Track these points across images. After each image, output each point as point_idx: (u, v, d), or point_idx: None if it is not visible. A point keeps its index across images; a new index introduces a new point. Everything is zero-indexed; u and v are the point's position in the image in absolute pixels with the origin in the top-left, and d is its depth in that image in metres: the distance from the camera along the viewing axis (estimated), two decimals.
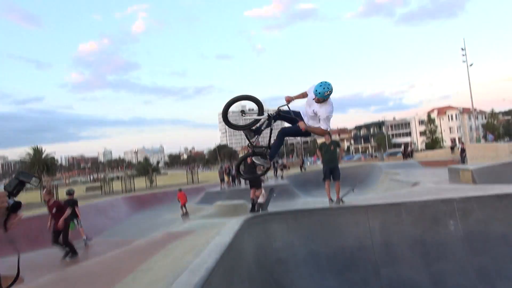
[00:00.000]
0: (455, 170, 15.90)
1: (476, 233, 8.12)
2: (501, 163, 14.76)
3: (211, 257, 5.18)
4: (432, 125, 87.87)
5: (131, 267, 5.91)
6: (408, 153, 36.53)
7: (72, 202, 13.67)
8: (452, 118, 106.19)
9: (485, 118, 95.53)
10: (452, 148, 30.84)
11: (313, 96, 5.08)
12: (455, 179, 15.24)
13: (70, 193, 14.04)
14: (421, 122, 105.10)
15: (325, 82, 5.04)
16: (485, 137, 44.13)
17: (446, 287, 7.26)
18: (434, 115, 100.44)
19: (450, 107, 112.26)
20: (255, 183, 10.09)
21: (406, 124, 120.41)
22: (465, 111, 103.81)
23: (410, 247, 8.30)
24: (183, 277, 4.44)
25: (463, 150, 24.66)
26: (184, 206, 20.35)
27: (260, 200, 9.94)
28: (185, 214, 19.10)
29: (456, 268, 7.68)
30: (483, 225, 8.14)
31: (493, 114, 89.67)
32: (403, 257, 8.16)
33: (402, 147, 48.83)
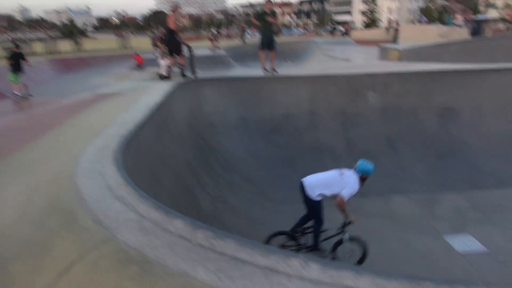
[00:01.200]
0: (385, 49, 16.61)
1: (391, 105, 8.93)
2: (427, 45, 15.55)
3: (140, 113, 5.23)
4: (372, 4, 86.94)
5: (57, 122, 5.81)
6: (345, 32, 36.77)
7: (18, 55, 12.77)
8: None
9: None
10: (388, 28, 31.47)
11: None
12: (385, 57, 16.02)
13: (17, 46, 13.38)
14: (364, 1, 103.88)
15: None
16: (419, 20, 44.83)
17: (356, 149, 8.20)
18: None
19: None
20: (176, 50, 9.63)
21: (348, 2, 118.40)
22: None
23: (332, 116, 9.00)
24: (111, 129, 4.50)
25: (396, 31, 25.38)
26: (140, 66, 20.06)
27: (164, 70, 9.56)
28: (138, 68, 19.14)
29: (369, 135, 8.60)
30: (398, 98, 8.94)
31: None
32: (324, 125, 8.88)
33: (336, 26, 47.86)
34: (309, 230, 4.87)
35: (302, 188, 4.68)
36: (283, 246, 4.92)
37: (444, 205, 6.83)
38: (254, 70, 11.34)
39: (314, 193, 4.60)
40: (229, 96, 9.07)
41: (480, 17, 24.00)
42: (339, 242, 4.81)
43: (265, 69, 10.20)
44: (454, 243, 5.65)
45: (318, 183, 4.61)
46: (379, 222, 6.33)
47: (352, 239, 4.78)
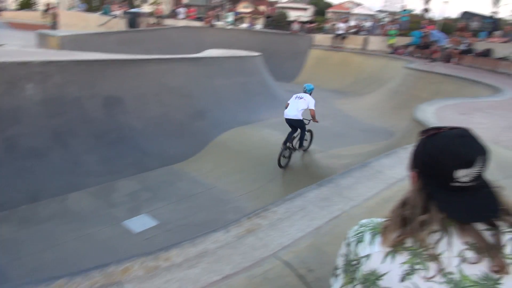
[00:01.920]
0: (43, 35, 15.25)
1: (53, 97, 8.35)
2: (88, 33, 15.43)
3: None
4: None
5: None
6: None
7: None
8: None
9: None
10: (46, 12, 28.71)
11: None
12: (44, 44, 14.69)
13: None
14: None
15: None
16: (79, 7, 43.11)
17: (20, 150, 7.24)
18: None
19: None
20: None
21: None
22: None
23: None
24: None
25: (55, 16, 23.72)
26: None
27: None
28: None
29: (32, 131, 7.75)
30: (61, 89, 8.47)
31: None
32: None
33: None
34: (296, 137, 7.87)
35: (288, 119, 7.55)
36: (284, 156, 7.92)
37: (119, 192, 7.17)
38: None
39: (296, 116, 7.46)
40: None
41: (135, 10, 25.66)
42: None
43: None
44: (131, 225, 6.07)
45: (294, 110, 7.46)
46: (56, 226, 5.93)
47: (308, 130, 8.07)
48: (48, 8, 27.79)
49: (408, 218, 1.02)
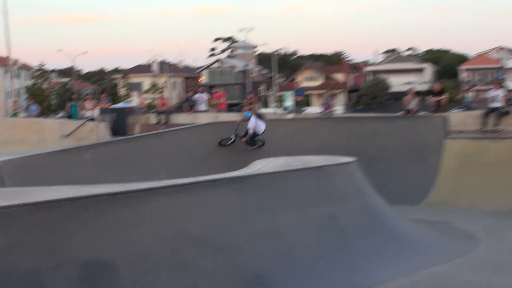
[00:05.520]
0: None
1: None
2: (45, 152, 10.33)
3: None
4: None
5: None
6: None
7: None
8: None
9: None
10: None
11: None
12: None
13: None
14: None
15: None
16: (27, 108, 27.78)
17: None
18: None
19: None
20: None
21: None
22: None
23: None
24: None
25: None
26: None
27: None
28: None
29: None
30: (4, 257, 3.99)
31: (42, 72, 55.73)
32: None
33: None
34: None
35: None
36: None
37: None
38: None
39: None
40: None
41: (122, 105, 18.43)
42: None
43: None
44: None
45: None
46: None
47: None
48: None
49: None
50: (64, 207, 4.85)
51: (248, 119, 11.62)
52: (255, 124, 11.42)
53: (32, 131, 15.08)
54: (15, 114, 19.30)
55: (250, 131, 11.42)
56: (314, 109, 19.92)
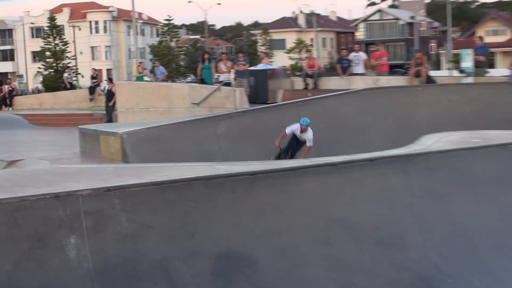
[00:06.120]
0: (91, 135, 9.49)
1: (118, 262, 4.07)
2: (174, 122, 9.53)
3: None
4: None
5: None
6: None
7: None
8: None
9: None
10: (91, 91, 20.36)
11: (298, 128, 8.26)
12: (93, 150, 9.27)
13: None
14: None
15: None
16: (152, 70, 26.90)
17: None
18: None
19: None
20: None
21: None
22: None
23: None
24: None
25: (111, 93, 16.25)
26: None
27: None
28: None
29: None
30: (131, 244, 4.16)
31: (170, 28, 51.69)
32: None
33: None
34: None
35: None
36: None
37: None
38: None
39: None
40: None
41: (263, 67, 16.02)
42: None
43: None
44: None
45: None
46: None
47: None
48: (96, 78, 20.05)
49: None
50: (196, 188, 4.59)
51: (306, 128, 8.38)
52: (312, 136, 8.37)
53: (159, 98, 13.24)
54: (139, 78, 18.05)
55: (310, 144, 8.41)
56: (500, 71, 16.92)
